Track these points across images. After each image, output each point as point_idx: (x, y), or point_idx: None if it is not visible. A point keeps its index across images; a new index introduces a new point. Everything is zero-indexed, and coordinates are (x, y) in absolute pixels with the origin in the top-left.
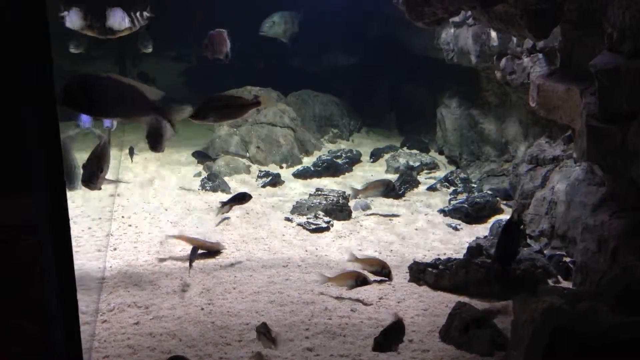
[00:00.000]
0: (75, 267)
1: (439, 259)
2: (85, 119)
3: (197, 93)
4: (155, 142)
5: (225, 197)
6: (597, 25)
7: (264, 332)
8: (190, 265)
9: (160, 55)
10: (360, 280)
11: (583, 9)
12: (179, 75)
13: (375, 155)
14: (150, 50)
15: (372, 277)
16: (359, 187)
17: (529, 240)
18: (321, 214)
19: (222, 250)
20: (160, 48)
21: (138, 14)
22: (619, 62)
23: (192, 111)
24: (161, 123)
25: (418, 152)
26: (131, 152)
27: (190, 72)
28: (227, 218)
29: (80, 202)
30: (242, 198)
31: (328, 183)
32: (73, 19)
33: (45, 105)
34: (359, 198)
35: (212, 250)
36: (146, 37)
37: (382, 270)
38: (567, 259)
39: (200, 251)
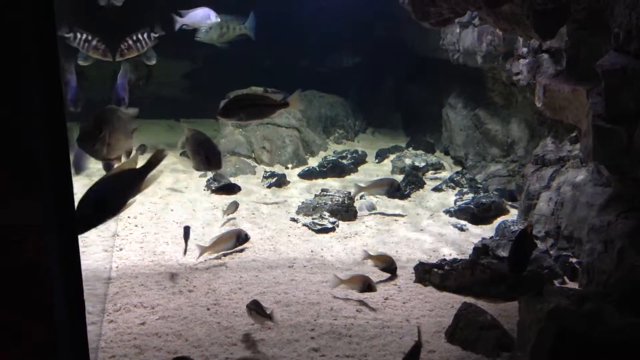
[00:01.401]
0: (82, 267)
1: (445, 259)
2: None
3: (201, 94)
4: (215, 158)
5: (230, 198)
6: (603, 25)
7: (255, 308)
8: (186, 244)
9: (162, 55)
10: (366, 286)
11: (590, 9)
12: (182, 77)
13: (381, 156)
14: (154, 62)
15: (379, 275)
16: (362, 184)
17: (535, 241)
18: (327, 214)
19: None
20: (161, 46)
21: (145, 35)
22: (626, 62)
23: (220, 109)
24: (205, 138)
25: (423, 152)
26: (142, 150)
27: (195, 72)
28: (233, 218)
29: None
30: (230, 189)
31: (333, 183)
32: None
33: (51, 105)
34: (362, 196)
35: (241, 239)
36: (149, 49)
37: (391, 267)
38: (574, 260)
39: (231, 250)
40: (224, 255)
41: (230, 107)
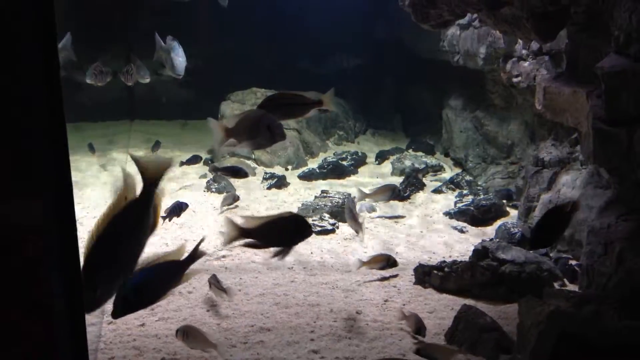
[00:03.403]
0: (81, 267)
1: (445, 261)
2: None
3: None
4: (279, 128)
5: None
6: (603, 28)
7: (214, 282)
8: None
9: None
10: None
11: (589, 12)
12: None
13: (381, 157)
14: (147, 80)
15: (381, 273)
16: (366, 190)
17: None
18: (327, 216)
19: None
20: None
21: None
22: (626, 64)
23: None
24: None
25: (423, 154)
26: (157, 145)
27: (195, 73)
28: (236, 207)
29: (86, 203)
30: (237, 172)
31: (333, 185)
32: None
33: (52, 105)
34: (365, 201)
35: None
36: (143, 67)
37: (388, 262)
38: (573, 262)
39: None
40: (223, 257)
41: (265, 106)
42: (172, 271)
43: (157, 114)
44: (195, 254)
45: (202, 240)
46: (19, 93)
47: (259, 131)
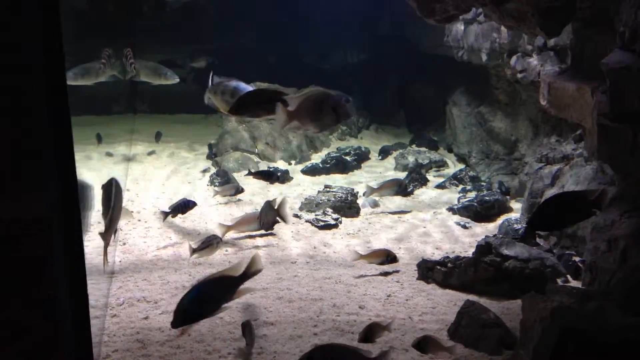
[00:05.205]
0: (85, 261)
1: (448, 257)
2: None
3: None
4: (343, 108)
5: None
6: (609, 24)
7: None
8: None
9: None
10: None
11: (595, 7)
12: (187, 72)
13: (384, 153)
14: (177, 79)
15: (383, 268)
16: (374, 185)
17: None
18: (330, 210)
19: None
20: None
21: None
22: (631, 61)
23: (232, 105)
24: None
25: (427, 149)
26: (158, 136)
27: (200, 68)
28: (239, 200)
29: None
30: (270, 175)
31: (336, 180)
32: None
33: (57, 102)
34: (364, 192)
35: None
36: (159, 68)
37: (388, 258)
38: (577, 258)
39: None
40: (226, 251)
41: (240, 104)
42: (228, 286)
43: (180, 109)
44: (248, 272)
45: (253, 260)
46: (25, 89)
47: (323, 112)
